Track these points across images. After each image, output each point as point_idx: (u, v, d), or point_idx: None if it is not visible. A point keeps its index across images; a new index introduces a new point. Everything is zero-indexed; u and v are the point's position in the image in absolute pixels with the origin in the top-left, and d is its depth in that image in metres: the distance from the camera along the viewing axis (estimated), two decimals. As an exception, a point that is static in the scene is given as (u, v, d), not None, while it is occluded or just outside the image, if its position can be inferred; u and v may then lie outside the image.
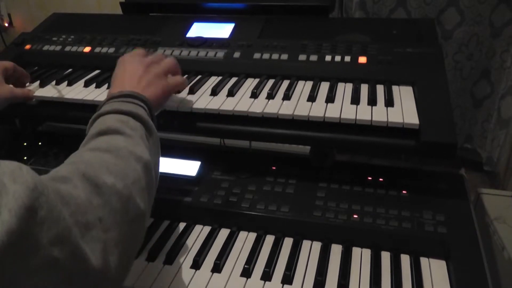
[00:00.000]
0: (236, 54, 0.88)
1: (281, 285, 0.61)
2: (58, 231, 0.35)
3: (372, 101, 0.71)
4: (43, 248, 0.34)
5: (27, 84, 0.87)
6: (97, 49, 0.96)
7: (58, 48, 0.99)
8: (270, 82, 0.81)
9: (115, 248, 0.42)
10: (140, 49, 0.73)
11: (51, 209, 0.35)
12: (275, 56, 0.86)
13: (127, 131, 0.51)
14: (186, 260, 0.66)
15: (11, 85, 0.80)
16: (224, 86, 0.81)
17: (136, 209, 0.45)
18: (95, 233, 0.39)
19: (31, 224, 0.33)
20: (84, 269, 0.38)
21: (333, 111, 0.70)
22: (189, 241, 0.70)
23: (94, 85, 0.84)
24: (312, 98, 0.74)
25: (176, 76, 0.72)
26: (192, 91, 0.78)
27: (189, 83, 0.80)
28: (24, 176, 0.34)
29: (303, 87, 0.78)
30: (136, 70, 0.66)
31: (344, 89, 0.77)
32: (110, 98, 0.58)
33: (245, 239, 0.70)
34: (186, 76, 0.85)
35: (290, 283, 0.61)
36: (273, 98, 0.75)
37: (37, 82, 0.87)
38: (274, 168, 0.81)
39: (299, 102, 0.73)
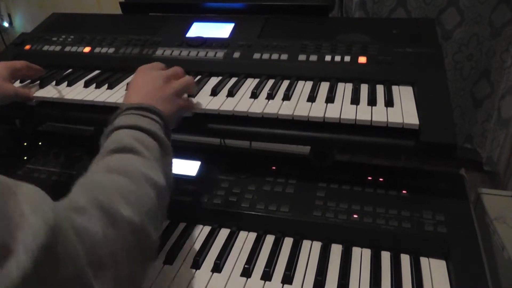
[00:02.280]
0: (236, 54, 0.88)
1: (281, 285, 0.61)
2: (73, 270, 0.34)
3: (372, 101, 0.71)
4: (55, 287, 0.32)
5: (27, 81, 0.88)
6: (97, 49, 0.96)
7: (58, 48, 0.99)
8: (270, 82, 0.81)
9: (125, 281, 0.42)
10: (159, 62, 0.72)
11: (67, 247, 0.34)
12: (275, 56, 0.86)
13: (142, 152, 0.51)
14: (186, 260, 0.66)
15: (15, 85, 0.83)
16: (224, 86, 0.81)
17: (148, 241, 0.45)
18: (107, 271, 0.39)
19: (46, 265, 0.31)
20: None
21: (333, 111, 0.70)
22: (189, 241, 0.70)
23: (94, 85, 0.84)
24: (312, 98, 0.74)
25: (190, 98, 0.74)
26: (192, 91, 0.78)
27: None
28: (44, 208, 0.33)
29: (303, 87, 0.78)
30: (155, 83, 0.65)
31: (344, 89, 0.77)
32: (127, 109, 0.58)
33: (245, 239, 0.70)
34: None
35: (290, 283, 0.61)
36: (273, 98, 0.75)
37: (37, 83, 0.87)
38: (274, 168, 0.81)
39: (299, 102, 0.73)
